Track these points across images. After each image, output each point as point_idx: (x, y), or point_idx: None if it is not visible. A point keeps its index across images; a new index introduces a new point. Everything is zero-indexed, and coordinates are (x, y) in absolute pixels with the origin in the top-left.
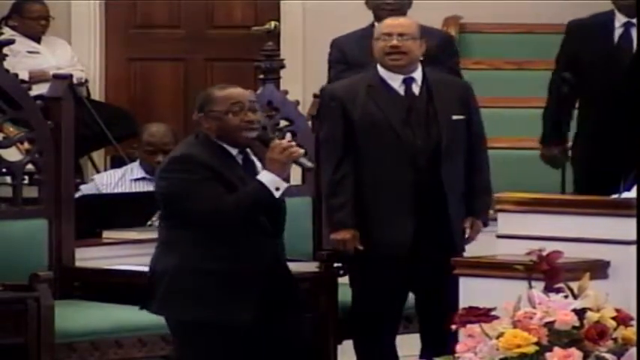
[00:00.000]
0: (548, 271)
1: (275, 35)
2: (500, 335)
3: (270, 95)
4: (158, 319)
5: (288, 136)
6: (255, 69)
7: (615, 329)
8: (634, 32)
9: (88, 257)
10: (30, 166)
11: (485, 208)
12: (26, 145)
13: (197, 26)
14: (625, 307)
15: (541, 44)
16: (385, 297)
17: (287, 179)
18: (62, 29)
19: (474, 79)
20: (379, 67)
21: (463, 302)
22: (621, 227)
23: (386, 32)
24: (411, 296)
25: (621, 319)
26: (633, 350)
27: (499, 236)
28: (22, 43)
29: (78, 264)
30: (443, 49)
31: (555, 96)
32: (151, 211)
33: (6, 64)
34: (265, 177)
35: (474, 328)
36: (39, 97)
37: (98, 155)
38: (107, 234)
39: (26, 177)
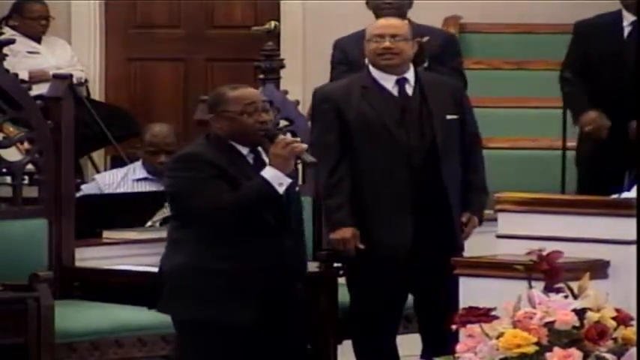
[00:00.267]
0: (548, 271)
1: (275, 35)
2: (500, 335)
3: (270, 95)
4: (158, 319)
5: (288, 136)
6: (255, 69)
7: (615, 329)
8: None
9: (88, 257)
10: (30, 166)
11: (481, 206)
12: (26, 145)
13: (197, 26)
14: (625, 307)
15: (541, 44)
16: (385, 297)
17: (292, 175)
18: (62, 29)
19: (474, 79)
20: (371, 69)
21: (463, 302)
22: (621, 227)
23: (378, 33)
24: (411, 296)
25: (621, 319)
26: (633, 350)
27: (499, 236)
28: (23, 43)
29: (78, 264)
30: (446, 49)
31: (564, 94)
32: (151, 211)
33: (6, 64)
34: (268, 173)
35: (474, 328)
36: (39, 97)
37: (98, 155)
38: (107, 234)
39: (26, 177)
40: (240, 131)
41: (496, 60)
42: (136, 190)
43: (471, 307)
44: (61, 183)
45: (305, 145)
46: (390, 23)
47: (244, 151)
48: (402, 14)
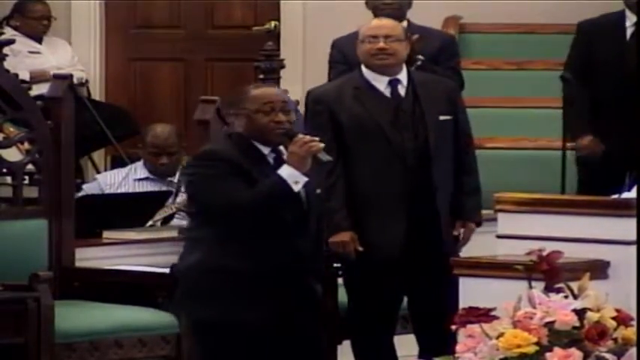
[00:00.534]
0: (548, 271)
1: (275, 35)
2: (500, 335)
3: None
4: (158, 319)
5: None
6: (255, 69)
7: (615, 329)
8: None
9: (88, 257)
10: (30, 166)
11: (477, 208)
12: (26, 145)
13: (197, 26)
14: (625, 307)
15: (541, 44)
16: (380, 298)
17: (308, 174)
18: (62, 29)
19: (474, 79)
20: (364, 70)
21: (463, 302)
22: (621, 227)
23: (371, 34)
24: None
25: (621, 319)
26: (633, 350)
27: (499, 236)
28: (23, 43)
29: (78, 264)
30: (444, 50)
31: (565, 96)
32: (151, 211)
33: (6, 64)
34: (285, 171)
35: (474, 328)
36: (39, 97)
37: (98, 155)
38: (107, 234)
39: (26, 177)
40: (255, 130)
41: (496, 60)
42: (137, 190)
43: (471, 307)
44: (61, 183)
45: (322, 145)
46: (384, 24)
47: (265, 150)
48: (401, 14)
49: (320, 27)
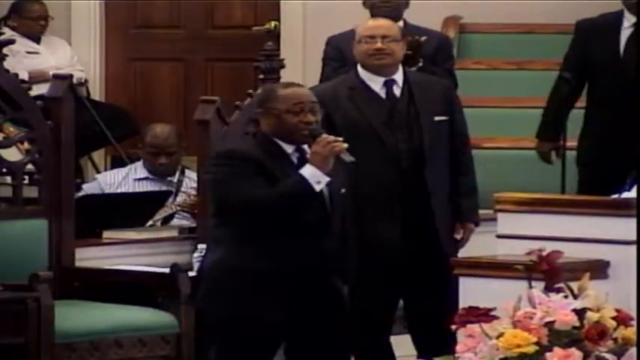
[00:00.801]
0: (548, 271)
1: (275, 35)
2: (500, 335)
3: None
4: (158, 319)
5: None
6: (255, 69)
7: (615, 329)
8: None
9: (88, 257)
10: (30, 166)
11: (474, 208)
12: (26, 145)
13: (197, 26)
14: (625, 307)
15: (541, 44)
16: (377, 299)
17: (331, 174)
18: (62, 29)
19: (474, 79)
20: (360, 70)
21: (463, 302)
22: (621, 227)
23: (368, 35)
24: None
25: (621, 319)
26: (633, 350)
27: (499, 236)
28: (22, 44)
29: (78, 264)
30: (440, 51)
31: (556, 96)
32: (151, 211)
33: (5, 65)
34: (307, 170)
35: (474, 328)
36: (39, 97)
37: (98, 155)
38: (107, 234)
39: (26, 177)
40: (284, 129)
41: (496, 60)
42: (137, 189)
43: (471, 307)
44: (61, 183)
45: (345, 145)
46: (381, 24)
47: (289, 149)
48: (398, 14)
49: (320, 27)
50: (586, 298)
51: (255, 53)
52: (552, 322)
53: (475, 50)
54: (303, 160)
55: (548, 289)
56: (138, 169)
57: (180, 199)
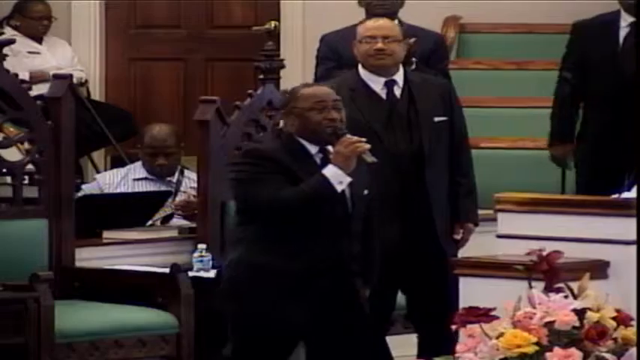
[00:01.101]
0: (548, 271)
1: (275, 35)
2: (500, 335)
3: (270, 95)
4: (158, 319)
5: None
6: (255, 69)
7: (615, 329)
8: None
9: (88, 257)
10: (30, 166)
11: (473, 208)
12: (26, 145)
13: (197, 26)
14: (625, 307)
15: (541, 44)
16: (374, 298)
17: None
18: (62, 29)
19: (474, 79)
20: (361, 70)
21: (463, 302)
22: (621, 227)
23: (369, 35)
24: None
25: (621, 319)
26: (633, 350)
27: (499, 236)
28: (23, 44)
29: (78, 264)
30: (435, 52)
31: (558, 97)
32: (151, 211)
33: (6, 64)
34: (329, 170)
35: (474, 328)
36: (39, 97)
37: (98, 155)
38: (107, 234)
39: (26, 177)
40: (308, 128)
41: (496, 60)
42: (136, 189)
43: (470, 307)
44: (61, 183)
45: (368, 145)
46: (382, 24)
47: (313, 150)
48: (394, 13)
49: (320, 27)
50: (586, 298)
51: (255, 53)
52: (552, 322)
53: (475, 50)
54: (326, 161)
55: (548, 289)
56: (137, 170)
57: (179, 199)
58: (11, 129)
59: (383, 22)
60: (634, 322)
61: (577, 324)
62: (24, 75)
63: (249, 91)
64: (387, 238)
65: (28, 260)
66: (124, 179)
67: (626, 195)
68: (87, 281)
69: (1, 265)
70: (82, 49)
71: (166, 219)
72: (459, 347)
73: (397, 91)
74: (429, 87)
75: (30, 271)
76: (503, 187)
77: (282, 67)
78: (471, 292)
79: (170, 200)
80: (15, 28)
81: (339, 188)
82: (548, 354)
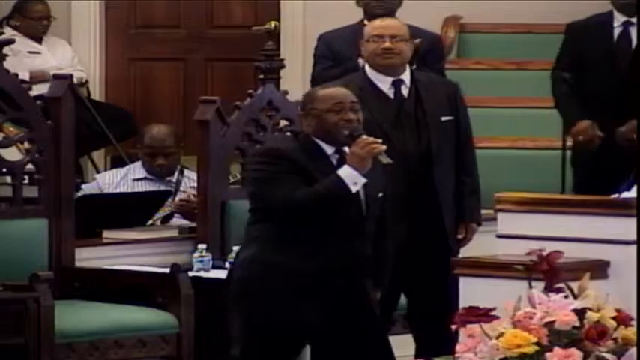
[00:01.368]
0: (548, 271)
1: (275, 35)
2: (500, 335)
3: (270, 95)
4: (158, 319)
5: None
6: (255, 69)
7: (615, 329)
8: (633, 31)
9: (88, 257)
10: (30, 166)
11: (477, 208)
12: (26, 145)
13: (197, 26)
14: (625, 307)
15: (541, 44)
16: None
17: (369, 176)
18: (62, 29)
19: (474, 79)
20: (368, 69)
21: (463, 302)
22: (621, 227)
23: (377, 34)
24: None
25: (621, 319)
26: (633, 350)
27: (499, 236)
28: (23, 43)
29: (78, 264)
30: (431, 51)
31: (559, 92)
32: (151, 211)
33: (6, 64)
34: (344, 171)
35: (474, 328)
36: (39, 97)
37: (98, 155)
38: (107, 234)
39: (26, 177)
40: (324, 129)
41: (496, 60)
42: (135, 190)
43: (471, 307)
44: (61, 183)
45: (384, 147)
46: (389, 24)
47: (329, 151)
48: (392, 12)
49: (320, 27)
50: (586, 298)
51: (255, 53)
52: (552, 322)
53: (475, 50)
54: (342, 162)
55: (548, 289)
56: (137, 170)
57: (178, 199)
58: (11, 129)
59: (390, 21)
60: (634, 322)
61: (577, 324)
62: (24, 75)
63: (249, 91)
64: (396, 239)
65: (28, 260)
66: (123, 179)
67: (626, 195)
68: (87, 281)
69: (1, 265)
70: (82, 49)
71: (166, 219)
72: (458, 347)
73: (404, 91)
74: (435, 86)
75: (30, 271)
76: (503, 187)
77: (282, 67)
78: (471, 292)
79: (170, 200)
80: (15, 28)
81: (353, 189)
82: (548, 354)
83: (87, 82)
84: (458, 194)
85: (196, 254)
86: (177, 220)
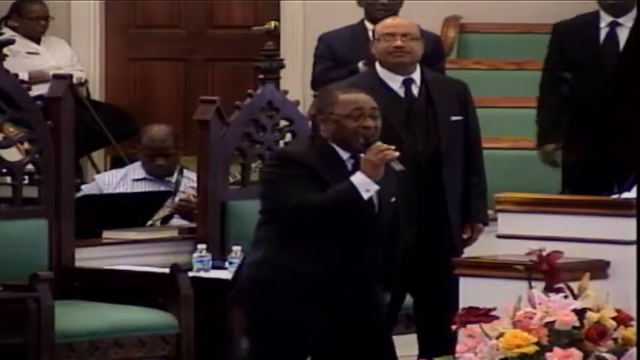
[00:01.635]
0: (548, 271)
1: (275, 35)
2: (500, 335)
3: (270, 95)
4: (158, 319)
5: (289, 136)
6: (255, 69)
7: (615, 329)
8: (620, 32)
9: (88, 257)
10: (30, 166)
11: (484, 209)
12: (26, 145)
13: (197, 26)
14: (625, 307)
15: (541, 44)
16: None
17: (381, 183)
18: (62, 29)
19: (474, 79)
20: (378, 68)
21: (463, 302)
22: (621, 227)
23: (388, 32)
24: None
25: (621, 319)
26: (633, 350)
27: (499, 236)
28: (21, 44)
29: (78, 264)
30: (433, 51)
31: (555, 97)
32: (151, 211)
33: (5, 65)
34: (357, 178)
35: (474, 328)
36: (39, 97)
37: (98, 155)
38: (107, 234)
39: (26, 177)
40: (342, 135)
41: (496, 60)
42: (135, 190)
43: (471, 307)
44: (61, 183)
45: (397, 153)
46: (401, 22)
47: (344, 155)
48: (394, 13)
49: (320, 27)
50: (586, 298)
51: (255, 53)
52: (552, 323)
53: (475, 50)
54: (357, 167)
55: (548, 289)
56: (136, 170)
57: (178, 199)
58: (11, 129)
59: (402, 20)
60: (634, 322)
61: (577, 324)
62: (23, 75)
63: (249, 91)
64: (405, 239)
65: (28, 260)
66: (123, 180)
67: (626, 195)
68: (87, 281)
69: (1, 265)
70: (82, 49)
71: (166, 219)
72: (459, 347)
73: (415, 90)
74: (445, 86)
75: (30, 271)
76: (503, 187)
77: (282, 67)
78: (471, 292)
79: (170, 201)
80: (13, 28)
81: (365, 196)
82: (548, 354)
83: (86, 82)
84: (465, 194)
85: (196, 254)
86: (177, 221)
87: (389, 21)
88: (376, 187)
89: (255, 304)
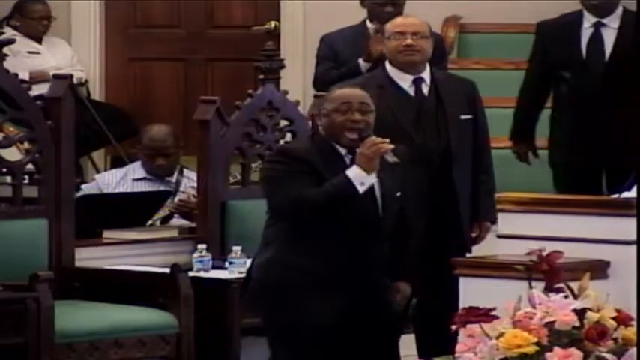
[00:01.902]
0: (548, 271)
1: (275, 35)
2: (500, 335)
3: (270, 95)
4: (158, 319)
5: (289, 136)
6: (255, 69)
7: (615, 329)
8: (604, 32)
9: (88, 257)
10: (30, 166)
11: (493, 207)
12: (26, 145)
13: (197, 26)
14: (625, 307)
15: None
16: None
17: (383, 176)
18: (62, 29)
19: (474, 79)
20: (388, 67)
21: (463, 302)
22: (621, 227)
23: (399, 31)
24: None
25: (621, 319)
26: (633, 350)
27: (499, 236)
28: (23, 44)
29: (78, 264)
30: (435, 50)
31: (534, 96)
32: (151, 211)
33: (6, 64)
34: (352, 171)
35: (474, 328)
36: (39, 97)
37: (98, 155)
38: (107, 234)
39: (26, 177)
40: (332, 129)
41: (496, 60)
42: (135, 189)
43: (471, 307)
44: (61, 183)
45: (391, 146)
46: (411, 21)
47: (343, 151)
48: (397, 14)
49: (320, 27)
50: (586, 298)
51: (255, 53)
52: (552, 322)
53: (474, 50)
54: (354, 162)
55: (548, 289)
56: (136, 170)
57: (178, 199)
58: (11, 129)
59: (412, 18)
60: (634, 322)
61: (577, 324)
62: (23, 75)
63: (249, 91)
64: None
65: (28, 260)
66: (123, 179)
67: (626, 195)
68: (87, 281)
69: (1, 265)
70: (82, 48)
71: (166, 219)
72: (458, 347)
73: (425, 89)
74: (454, 85)
75: (30, 271)
76: (503, 187)
77: (282, 67)
78: (471, 292)
79: (170, 201)
80: (15, 28)
81: (360, 189)
82: (548, 354)
83: (87, 81)
84: (475, 193)
85: (196, 254)
86: (177, 220)
87: (399, 20)
88: (372, 181)
89: (265, 306)
